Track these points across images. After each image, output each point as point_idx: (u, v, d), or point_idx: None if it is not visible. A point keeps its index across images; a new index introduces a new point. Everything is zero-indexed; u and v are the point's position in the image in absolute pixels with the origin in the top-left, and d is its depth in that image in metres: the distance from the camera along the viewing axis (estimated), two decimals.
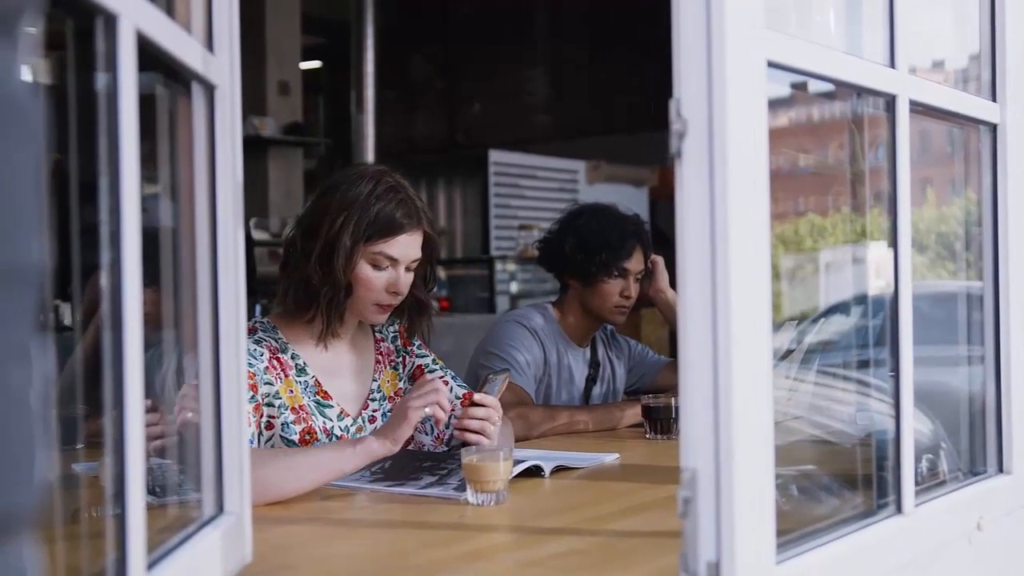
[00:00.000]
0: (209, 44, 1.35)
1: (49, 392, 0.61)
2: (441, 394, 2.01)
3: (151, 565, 1.10)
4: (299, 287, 2.21)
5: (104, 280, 1.01)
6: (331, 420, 2.22)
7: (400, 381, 2.39)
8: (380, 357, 2.38)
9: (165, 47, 1.15)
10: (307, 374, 2.23)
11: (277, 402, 2.15)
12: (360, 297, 2.22)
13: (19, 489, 0.58)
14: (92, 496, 1.43)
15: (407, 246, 2.22)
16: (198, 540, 1.26)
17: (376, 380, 2.35)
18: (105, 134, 1.01)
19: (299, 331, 2.26)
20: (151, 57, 1.12)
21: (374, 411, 2.33)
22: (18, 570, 0.58)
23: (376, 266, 2.20)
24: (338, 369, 2.30)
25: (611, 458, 2.35)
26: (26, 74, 0.60)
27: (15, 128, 0.57)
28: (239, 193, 1.40)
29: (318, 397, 2.23)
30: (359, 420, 2.29)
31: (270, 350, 2.17)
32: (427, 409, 1.98)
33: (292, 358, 2.23)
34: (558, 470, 2.18)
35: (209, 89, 1.35)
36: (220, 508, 1.37)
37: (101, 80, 1.02)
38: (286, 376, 2.19)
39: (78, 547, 1.27)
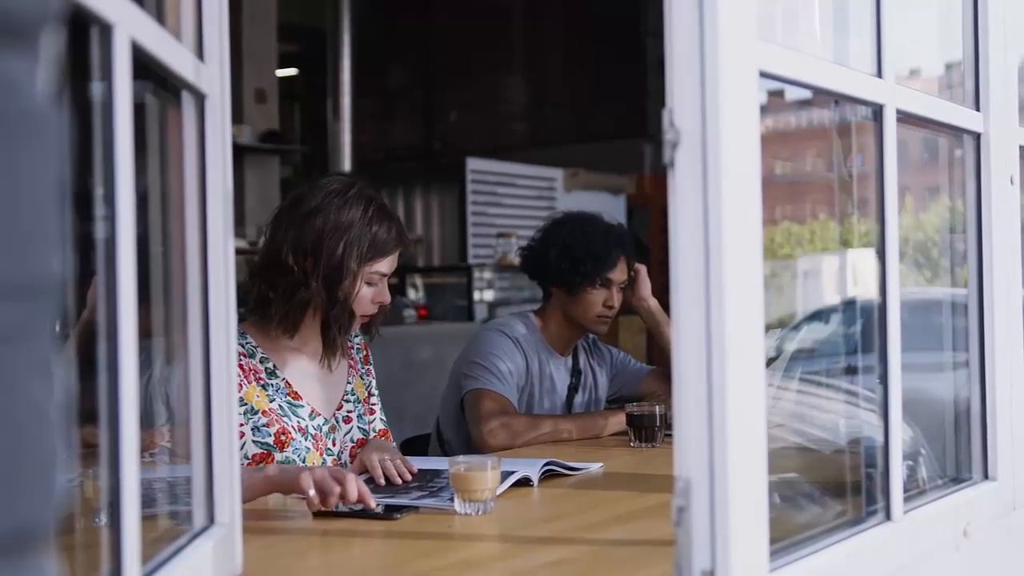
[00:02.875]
0: (200, 53, 1.34)
1: (69, 406, 0.61)
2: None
3: None
4: (299, 308, 2.25)
5: (99, 289, 1.00)
6: (303, 419, 2.27)
7: (365, 390, 2.48)
8: (352, 362, 2.46)
9: (158, 56, 1.14)
10: (278, 376, 2.28)
11: (242, 408, 2.18)
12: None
13: (42, 503, 0.57)
14: (79, 506, 1.42)
15: (395, 261, 2.33)
16: (190, 552, 1.26)
17: (350, 383, 2.43)
18: (100, 143, 1.01)
19: (275, 337, 2.31)
20: (142, 66, 1.11)
21: (348, 412, 2.40)
22: None
23: (369, 283, 2.29)
24: (312, 372, 2.35)
25: (596, 467, 2.35)
26: (45, 87, 0.60)
27: (36, 141, 0.57)
28: (229, 202, 1.40)
29: (289, 398, 2.27)
30: (332, 420, 2.35)
31: None
32: (311, 492, 1.82)
33: (261, 362, 2.28)
34: (547, 476, 2.18)
35: (200, 98, 1.34)
36: (211, 519, 1.36)
37: (95, 89, 1.02)
38: (250, 383, 2.23)
39: (66, 558, 1.26)
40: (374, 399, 2.52)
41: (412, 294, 7.49)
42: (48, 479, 0.58)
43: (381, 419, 2.51)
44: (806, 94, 1.57)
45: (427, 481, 2.13)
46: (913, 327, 2.10)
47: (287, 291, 2.24)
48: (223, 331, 1.37)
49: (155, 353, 1.46)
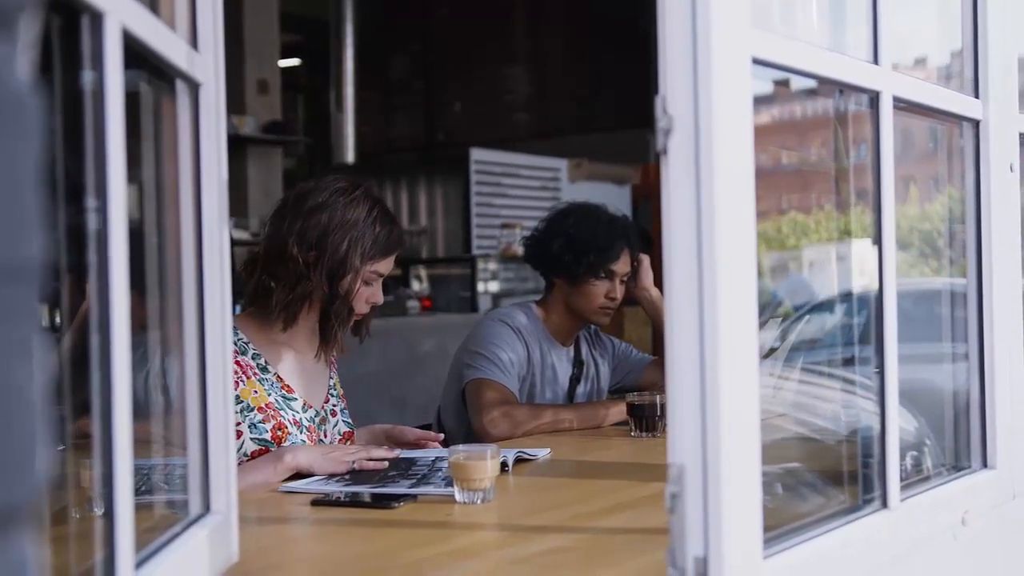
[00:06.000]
0: (194, 42, 1.34)
1: (50, 388, 0.61)
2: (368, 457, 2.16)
3: (138, 564, 1.09)
4: (300, 300, 2.28)
5: (91, 281, 1.00)
6: (297, 412, 2.32)
7: (341, 387, 2.53)
8: (332, 360, 2.50)
9: (151, 45, 1.14)
10: (270, 372, 2.31)
11: (239, 406, 2.20)
12: None
13: (22, 484, 0.58)
14: (75, 496, 1.42)
15: (392, 263, 2.38)
16: (185, 539, 1.26)
17: (332, 379, 2.48)
18: (91, 132, 1.01)
19: (268, 331, 2.33)
20: (135, 55, 1.11)
21: (333, 406, 2.45)
22: (20, 564, 0.58)
23: (366, 282, 2.33)
24: (299, 367, 2.38)
25: (544, 452, 2.38)
26: (24, 72, 0.60)
27: (15, 125, 0.57)
28: (224, 192, 1.40)
29: (283, 392, 2.31)
30: (322, 412, 2.40)
31: None
32: (355, 465, 2.13)
33: (253, 358, 2.30)
34: (518, 462, 2.22)
35: (194, 87, 1.34)
36: (207, 507, 1.36)
37: (86, 78, 1.02)
38: (248, 378, 2.26)
39: (62, 547, 1.26)
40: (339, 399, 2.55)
41: (416, 285, 7.50)
42: (29, 461, 0.58)
43: (346, 421, 2.52)
44: (812, 83, 1.56)
45: (406, 469, 2.13)
46: (919, 317, 2.10)
47: (289, 282, 2.27)
48: (218, 320, 1.38)
49: (153, 346, 1.46)
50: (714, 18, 1.15)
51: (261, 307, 2.31)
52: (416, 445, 2.43)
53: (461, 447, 1.96)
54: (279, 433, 2.24)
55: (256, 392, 2.26)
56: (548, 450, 2.41)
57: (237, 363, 2.24)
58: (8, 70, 0.58)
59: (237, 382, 2.21)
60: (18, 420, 0.58)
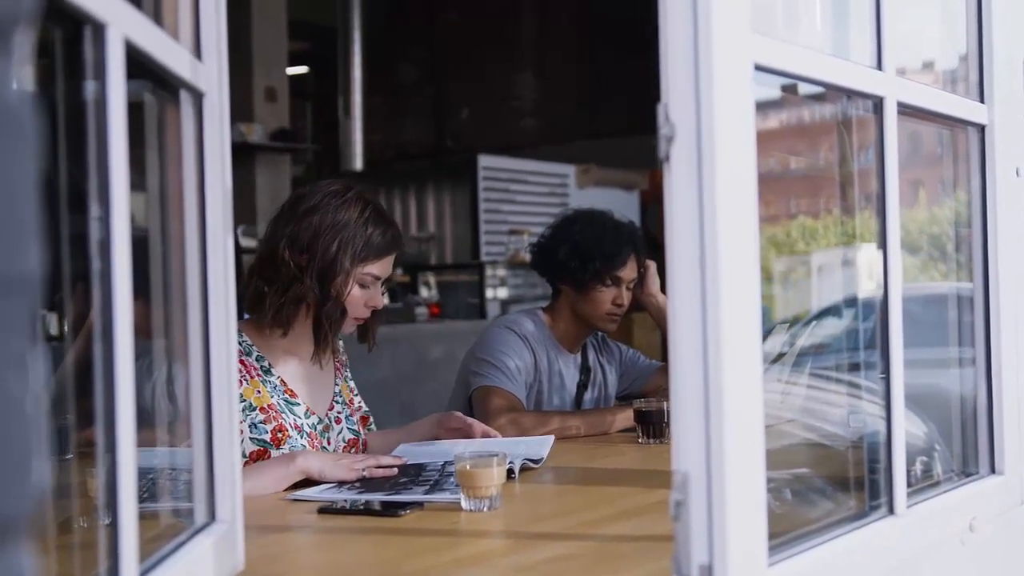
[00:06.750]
0: (197, 52, 1.35)
1: (45, 400, 0.61)
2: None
3: (143, 573, 1.09)
4: (292, 303, 2.28)
5: (94, 290, 1.01)
6: (299, 417, 2.32)
7: (351, 392, 2.52)
8: (338, 366, 2.50)
9: (153, 55, 1.14)
10: (273, 375, 2.32)
11: (241, 404, 2.21)
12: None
13: (18, 496, 0.58)
14: (82, 505, 1.42)
15: (390, 265, 2.37)
16: (190, 548, 1.26)
17: (338, 385, 2.47)
18: (94, 142, 1.01)
19: (269, 336, 2.33)
20: (138, 65, 1.12)
21: (338, 413, 2.45)
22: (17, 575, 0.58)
23: (362, 285, 2.32)
24: (303, 373, 2.38)
25: (548, 440, 2.41)
26: (21, 83, 0.60)
27: (11, 137, 0.58)
28: (228, 201, 1.40)
29: (286, 396, 2.32)
30: (326, 419, 2.39)
31: None
32: (365, 472, 2.12)
33: (257, 360, 2.31)
34: (524, 469, 2.22)
35: (197, 97, 1.35)
36: (212, 516, 1.36)
37: (89, 88, 1.02)
38: (252, 378, 2.27)
39: (68, 556, 1.27)
40: (358, 398, 2.55)
41: (424, 292, 7.49)
42: (24, 473, 0.59)
43: (351, 427, 2.52)
44: (820, 88, 1.56)
45: (416, 476, 2.13)
46: (928, 322, 2.09)
47: (282, 286, 2.27)
48: (223, 329, 1.38)
49: (159, 355, 1.47)
50: (715, 24, 1.15)
51: (260, 313, 2.31)
52: (466, 433, 2.45)
53: (467, 454, 1.96)
54: (279, 435, 2.24)
55: (259, 392, 2.26)
56: (551, 437, 2.42)
57: (241, 363, 2.25)
58: (4, 82, 0.58)
59: (240, 380, 2.22)
60: (14, 432, 0.58)
